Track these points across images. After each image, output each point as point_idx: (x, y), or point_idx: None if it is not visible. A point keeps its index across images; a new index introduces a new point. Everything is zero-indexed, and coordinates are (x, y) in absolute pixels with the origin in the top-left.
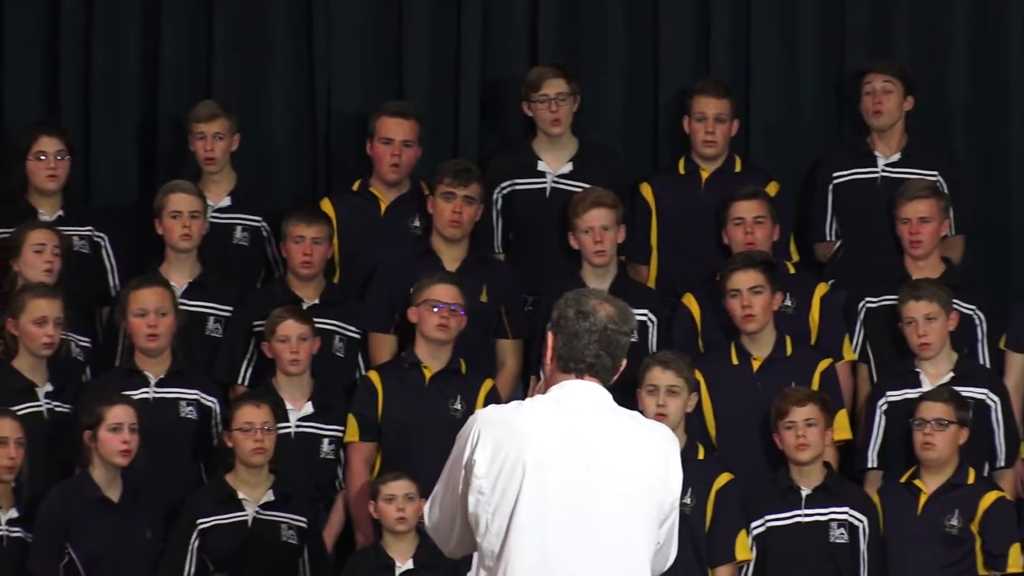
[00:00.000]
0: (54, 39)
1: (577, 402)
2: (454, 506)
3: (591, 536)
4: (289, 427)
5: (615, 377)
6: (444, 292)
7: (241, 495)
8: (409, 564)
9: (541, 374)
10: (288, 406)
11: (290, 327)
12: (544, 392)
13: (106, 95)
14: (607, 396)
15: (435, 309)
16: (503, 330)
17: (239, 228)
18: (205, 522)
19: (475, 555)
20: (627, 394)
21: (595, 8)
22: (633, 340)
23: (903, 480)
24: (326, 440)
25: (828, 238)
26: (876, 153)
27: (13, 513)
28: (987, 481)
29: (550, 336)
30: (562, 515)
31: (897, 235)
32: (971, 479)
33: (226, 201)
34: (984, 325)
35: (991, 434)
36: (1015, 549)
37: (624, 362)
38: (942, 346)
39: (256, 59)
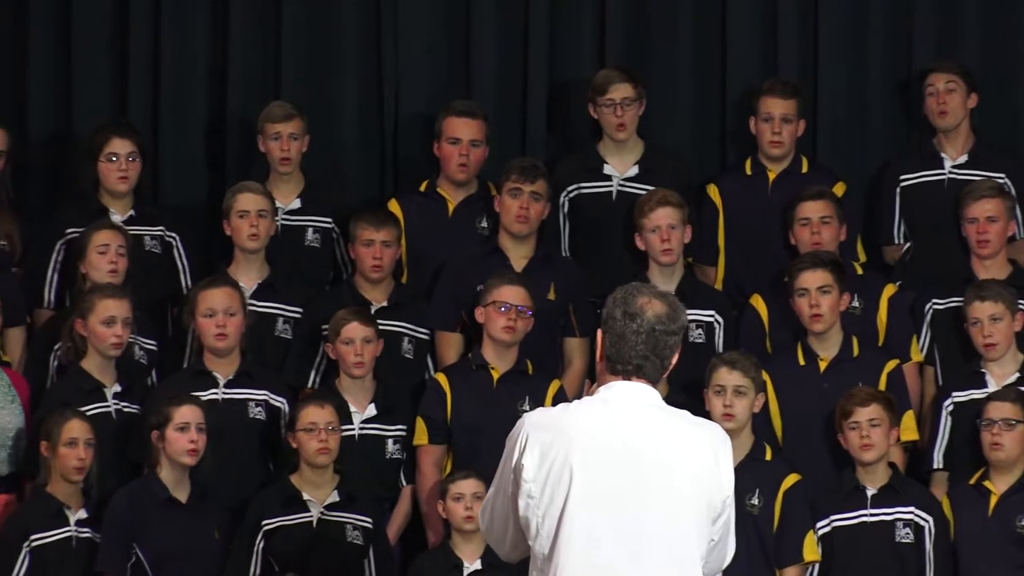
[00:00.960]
0: (123, 41)
1: (624, 402)
2: (506, 509)
3: (641, 537)
4: (353, 429)
5: (665, 375)
6: (512, 294)
7: (306, 496)
8: (477, 564)
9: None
10: (352, 408)
11: (354, 330)
12: (593, 393)
13: (175, 97)
14: (655, 395)
15: (502, 310)
16: (571, 328)
17: (310, 230)
18: (270, 523)
19: (530, 557)
20: (694, 395)
21: (662, 10)
22: (699, 341)
23: (972, 482)
24: (390, 440)
25: (896, 241)
26: (943, 155)
27: (83, 514)
28: None
29: (599, 335)
30: (611, 517)
31: (964, 236)
32: None
33: (296, 203)
34: None
35: None
36: None
37: (675, 360)
38: (1008, 346)
39: (323, 61)
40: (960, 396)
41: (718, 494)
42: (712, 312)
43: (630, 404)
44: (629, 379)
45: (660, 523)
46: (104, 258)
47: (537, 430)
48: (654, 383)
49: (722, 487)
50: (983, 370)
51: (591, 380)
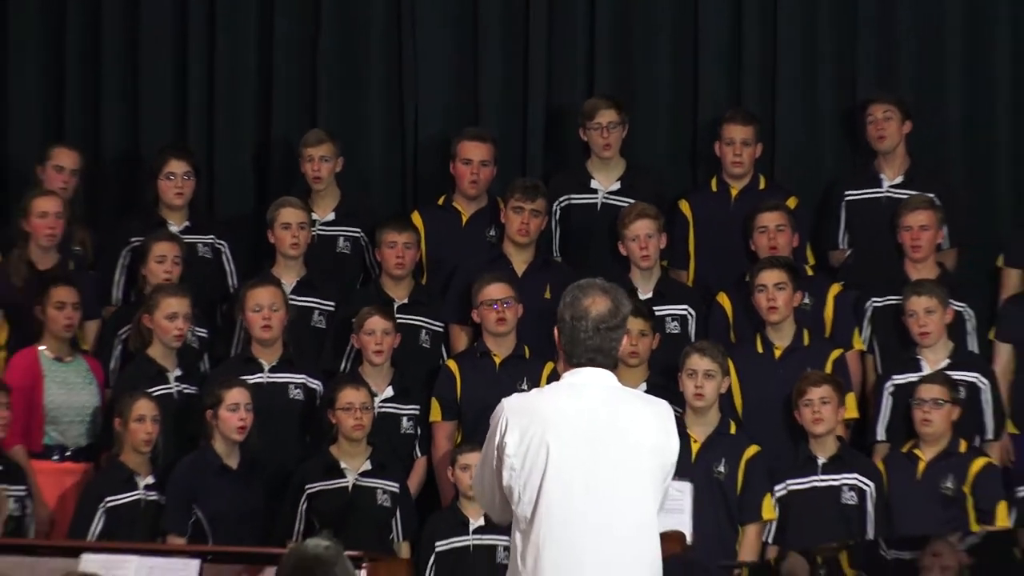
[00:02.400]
0: (182, 74)
1: (587, 386)
2: (492, 480)
3: (608, 497)
4: (379, 407)
5: (615, 359)
6: (495, 291)
7: (343, 464)
8: (481, 522)
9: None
10: (375, 391)
11: (375, 323)
12: (561, 378)
13: (227, 122)
14: (612, 378)
15: (493, 307)
16: None
17: (342, 238)
18: (312, 487)
19: (512, 520)
20: (670, 377)
21: (643, 47)
22: (675, 332)
23: (904, 450)
24: (405, 418)
25: (841, 247)
26: (882, 176)
27: (150, 480)
28: (977, 450)
29: (556, 333)
30: (583, 483)
31: (899, 244)
32: (963, 448)
33: (331, 216)
34: (973, 320)
35: (981, 412)
36: (1001, 507)
37: (623, 344)
38: (940, 336)
39: (354, 91)
40: (899, 379)
41: (669, 457)
42: (685, 307)
43: (592, 387)
44: (585, 367)
45: (624, 485)
46: (161, 267)
47: (515, 414)
48: (609, 368)
49: (672, 451)
50: (919, 356)
51: None
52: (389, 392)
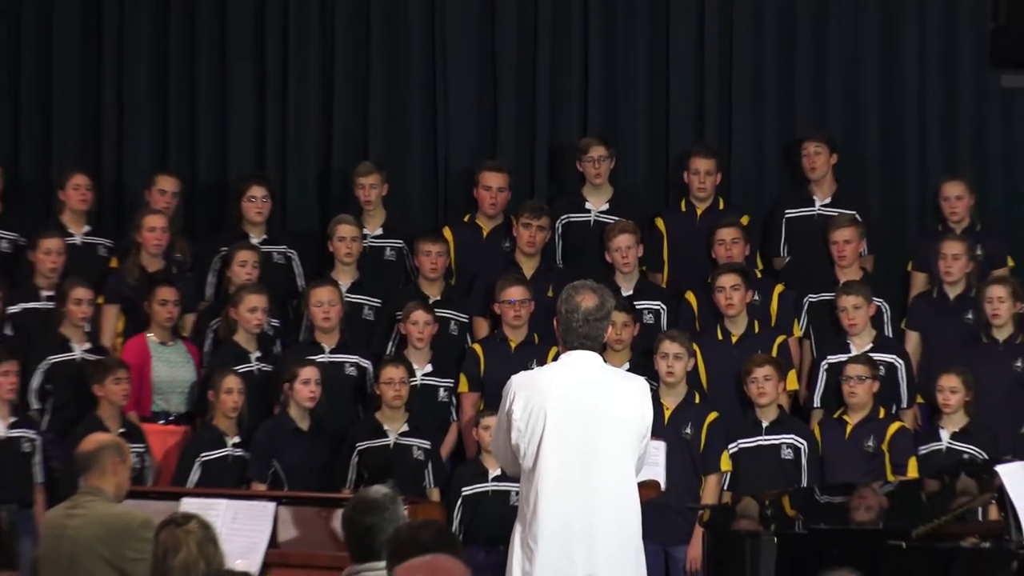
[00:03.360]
0: (261, 115)
1: (578, 365)
2: (504, 439)
3: (594, 453)
4: (416, 381)
5: (603, 343)
6: (514, 292)
7: (385, 427)
8: (498, 472)
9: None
10: (415, 367)
11: (419, 315)
12: (558, 359)
13: (296, 155)
14: (599, 359)
15: (509, 303)
16: None
17: (388, 248)
18: (361, 445)
19: (520, 471)
20: (647, 359)
21: (625, 96)
22: (651, 322)
23: (835, 416)
24: (441, 389)
25: (782, 255)
26: (815, 197)
27: (236, 439)
28: (893, 416)
29: (556, 322)
30: (574, 443)
31: (829, 252)
32: (882, 415)
33: (379, 230)
34: (889, 312)
35: (897, 386)
36: (912, 461)
37: (608, 333)
38: (865, 326)
39: (397, 130)
40: (832, 359)
41: (645, 423)
42: (659, 303)
43: (582, 366)
44: (578, 350)
45: (607, 444)
46: (243, 270)
47: (521, 387)
48: (597, 351)
49: (647, 418)
50: (848, 341)
51: None
52: (428, 368)
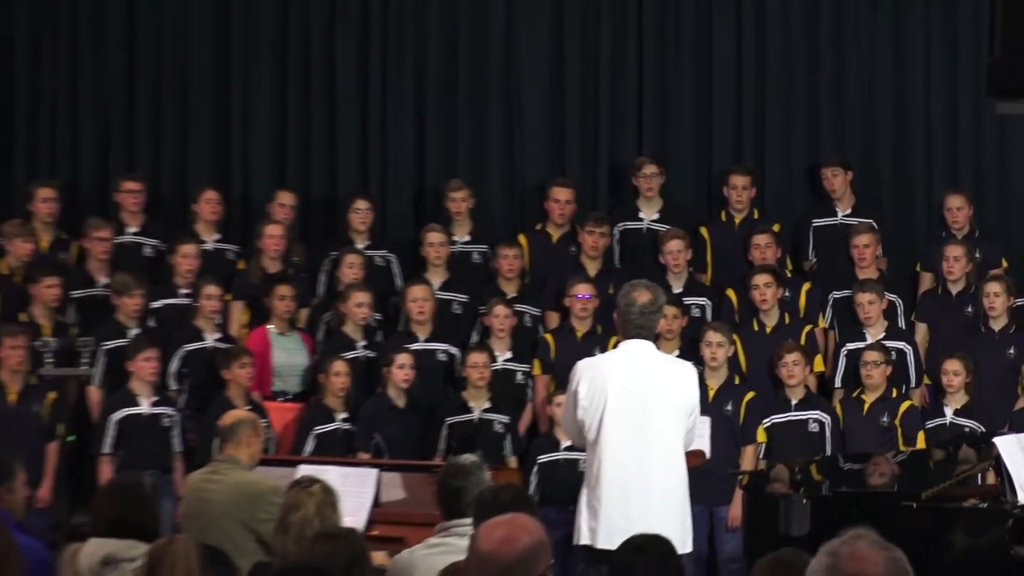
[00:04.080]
0: (364, 140)
1: (634, 352)
2: (572, 415)
3: (647, 428)
4: (497, 365)
5: (655, 334)
6: (582, 289)
7: (471, 404)
8: (568, 443)
9: None
10: (496, 353)
11: (500, 310)
12: (617, 346)
13: (395, 174)
14: (652, 347)
15: (577, 298)
16: None
17: (474, 253)
18: (450, 420)
19: (585, 443)
20: (694, 346)
21: (674, 121)
22: (697, 315)
23: (854, 395)
24: (518, 372)
25: (809, 258)
26: (836, 209)
27: (344, 415)
28: (904, 396)
29: (615, 315)
30: (632, 419)
31: (850, 256)
32: (894, 394)
33: (467, 237)
34: (901, 306)
35: (907, 369)
36: (920, 435)
37: (661, 324)
38: (878, 318)
39: (480, 151)
40: (851, 346)
41: (691, 402)
42: (704, 299)
43: (638, 353)
44: (635, 339)
45: (658, 420)
46: (351, 271)
47: (586, 371)
48: (651, 340)
49: (694, 398)
50: (864, 331)
51: None
52: (508, 355)
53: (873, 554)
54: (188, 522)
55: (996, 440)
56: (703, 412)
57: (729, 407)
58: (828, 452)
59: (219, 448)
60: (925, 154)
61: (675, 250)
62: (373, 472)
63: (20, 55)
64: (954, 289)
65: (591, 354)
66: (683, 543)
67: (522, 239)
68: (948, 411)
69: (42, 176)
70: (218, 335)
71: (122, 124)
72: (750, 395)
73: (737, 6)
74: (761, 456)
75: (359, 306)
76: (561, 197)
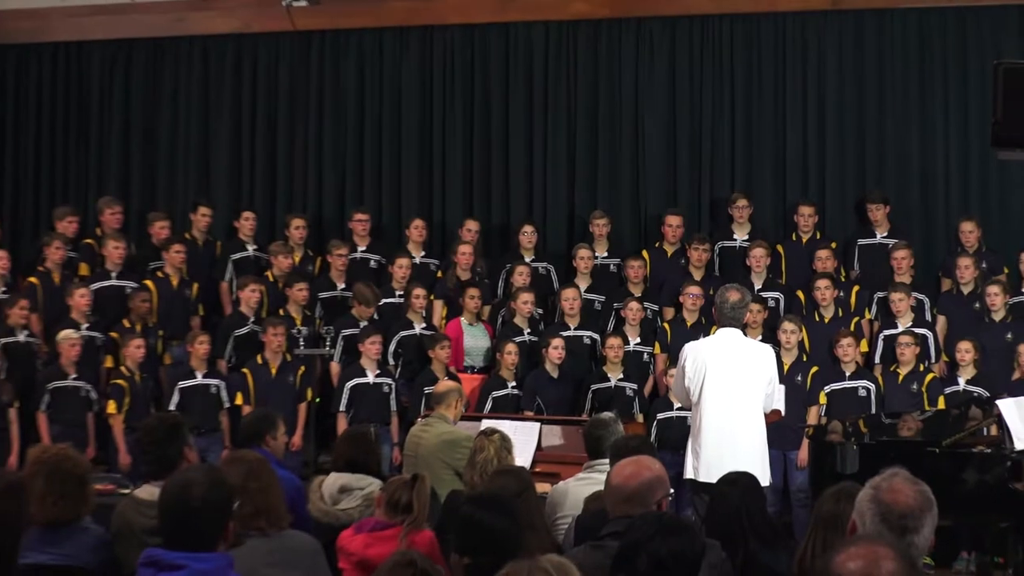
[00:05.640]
0: (531, 175)
1: (725, 338)
2: (681, 384)
3: (736, 393)
4: (629, 347)
5: (743, 324)
6: (691, 290)
7: (609, 375)
8: (679, 404)
9: None
10: (629, 338)
11: (632, 306)
12: (714, 333)
13: (553, 206)
14: (740, 334)
15: (690, 297)
16: None
17: (611, 265)
18: (594, 387)
19: (691, 404)
20: (772, 332)
21: (758, 164)
22: (773, 306)
23: (891, 369)
24: (644, 353)
25: (855, 268)
26: (876, 232)
27: (513, 383)
28: (928, 369)
29: (714, 310)
30: (725, 388)
31: (890, 266)
32: (921, 368)
33: (605, 253)
34: (927, 303)
35: (929, 349)
36: (941, 399)
37: (748, 317)
38: (907, 311)
39: (615, 187)
40: (888, 332)
41: (769, 374)
42: (779, 293)
43: (729, 338)
44: (728, 327)
45: (745, 388)
46: (520, 278)
47: (692, 351)
48: (740, 329)
49: (772, 372)
50: (897, 321)
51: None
52: (637, 340)
53: (906, 487)
54: (406, 460)
55: (998, 402)
56: (780, 381)
57: (799, 378)
58: (872, 411)
59: (429, 407)
60: (944, 191)
61: (758, 255)
62: (536, 425)
63: (282, 120)
64: (966, 290)
65: (696, 339)
66: (764, 477)
67: (645, 254)
68: (961, 381)
69: (296, 209)
70: (423, 325)
71: (355, 170)
72: (814, 369)
73: (804, 82)
74: (822, 414)
75: (526, 303)
76: (674, 222)
